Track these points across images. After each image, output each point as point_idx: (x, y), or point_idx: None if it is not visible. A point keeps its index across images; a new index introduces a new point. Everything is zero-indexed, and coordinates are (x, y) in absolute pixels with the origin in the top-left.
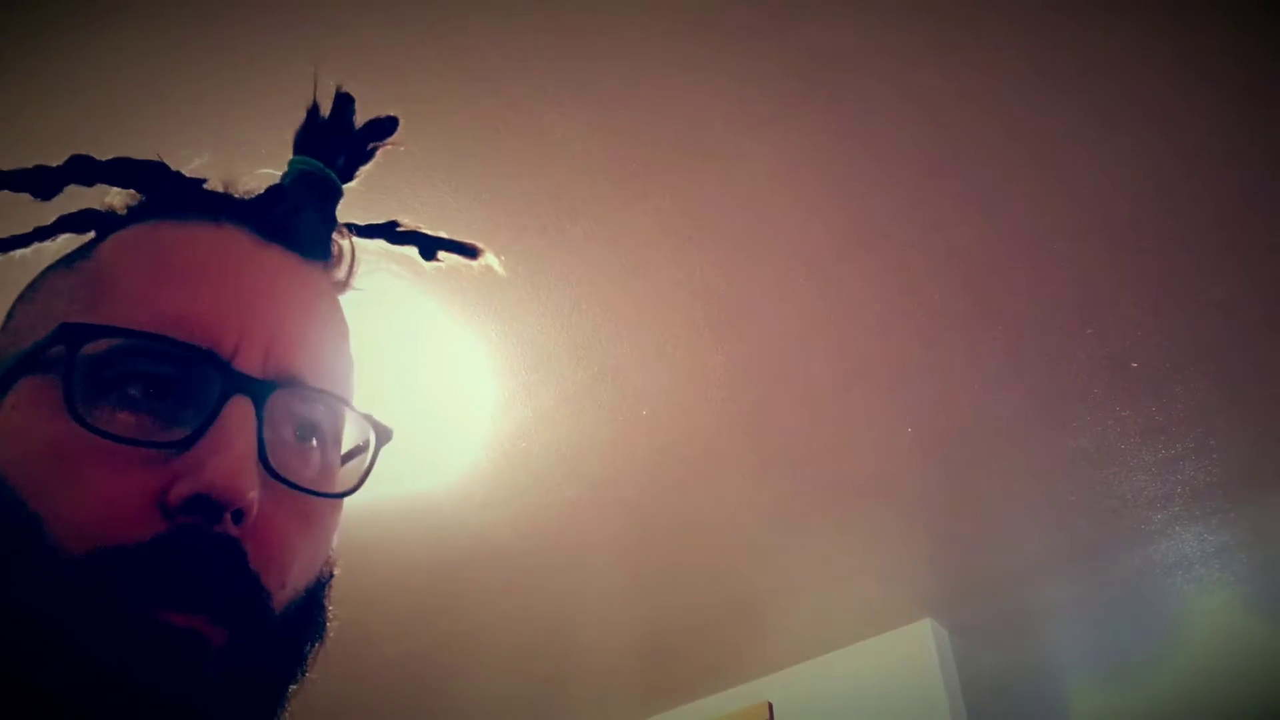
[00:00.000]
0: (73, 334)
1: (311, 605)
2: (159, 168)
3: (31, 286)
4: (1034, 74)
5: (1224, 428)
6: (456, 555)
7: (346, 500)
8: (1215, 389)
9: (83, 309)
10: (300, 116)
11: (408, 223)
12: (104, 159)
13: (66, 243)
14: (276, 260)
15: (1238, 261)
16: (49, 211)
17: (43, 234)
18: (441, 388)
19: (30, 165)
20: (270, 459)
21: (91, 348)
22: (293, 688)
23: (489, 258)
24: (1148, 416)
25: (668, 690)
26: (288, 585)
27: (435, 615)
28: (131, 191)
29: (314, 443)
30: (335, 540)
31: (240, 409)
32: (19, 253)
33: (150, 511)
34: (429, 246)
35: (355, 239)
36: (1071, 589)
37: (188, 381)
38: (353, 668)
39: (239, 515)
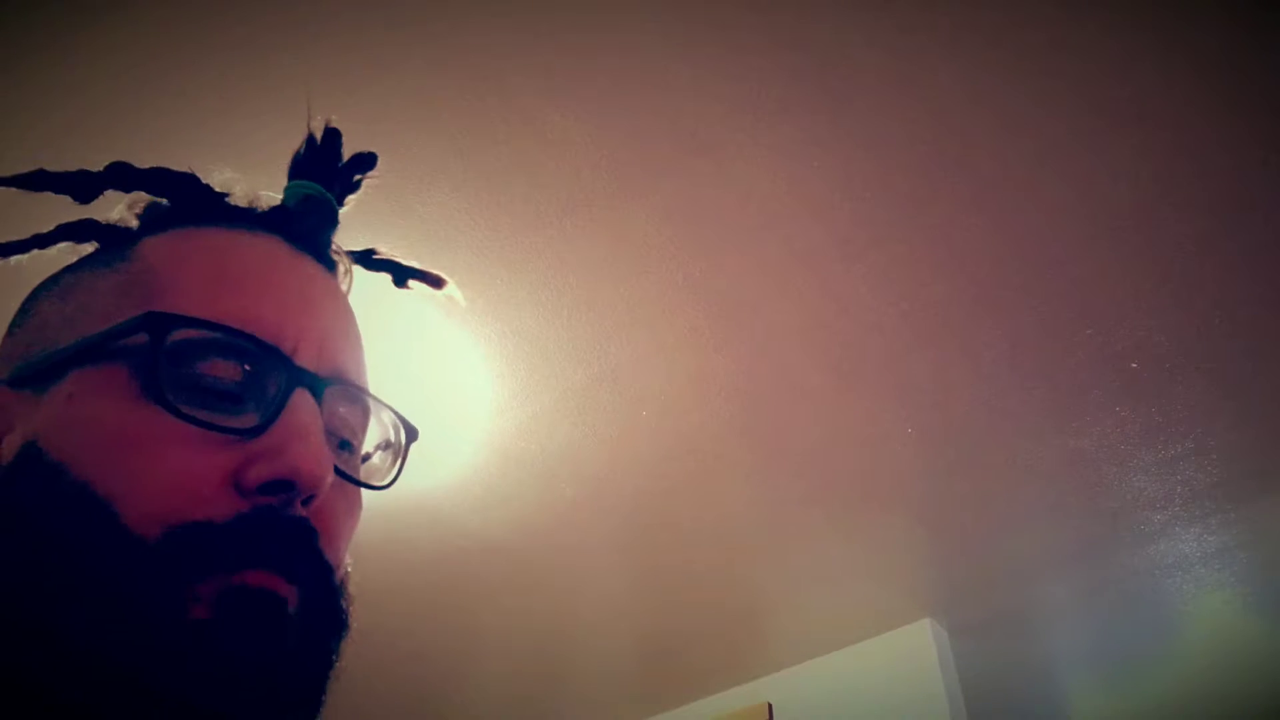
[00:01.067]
0: (158, 323)
1: (343, 595)
2: (190, 179)
3: (55, 284)
4: (1034, 74)
5: (1224, 428)
6: (456, 555)
7: None
8: (1215, 389)
9: (139, 304)
10: (296, 118)
11: (383, 251)
12: (98, 162)
13: (62, 252)
14: (313, 269)
15: (1238, 261)
16: (43, 217)
17: (42, 241)
18: (441, 388)
19: (66, 168)
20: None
21: (171, 339)
22: (331, 675)
23: (451, 289)
24: (1147, 417)
25: (667, 690)
26: (338, 565)
27: (435, 615)
28: (138, 206)
29: (350, 447)
30: None
31: (307, 400)
32: (16, 258)
33: (227, 491)
34: (400, 275)
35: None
36: (1071, 589)
37: (254, 378)
38: (352, 667)
39: (310, 499)
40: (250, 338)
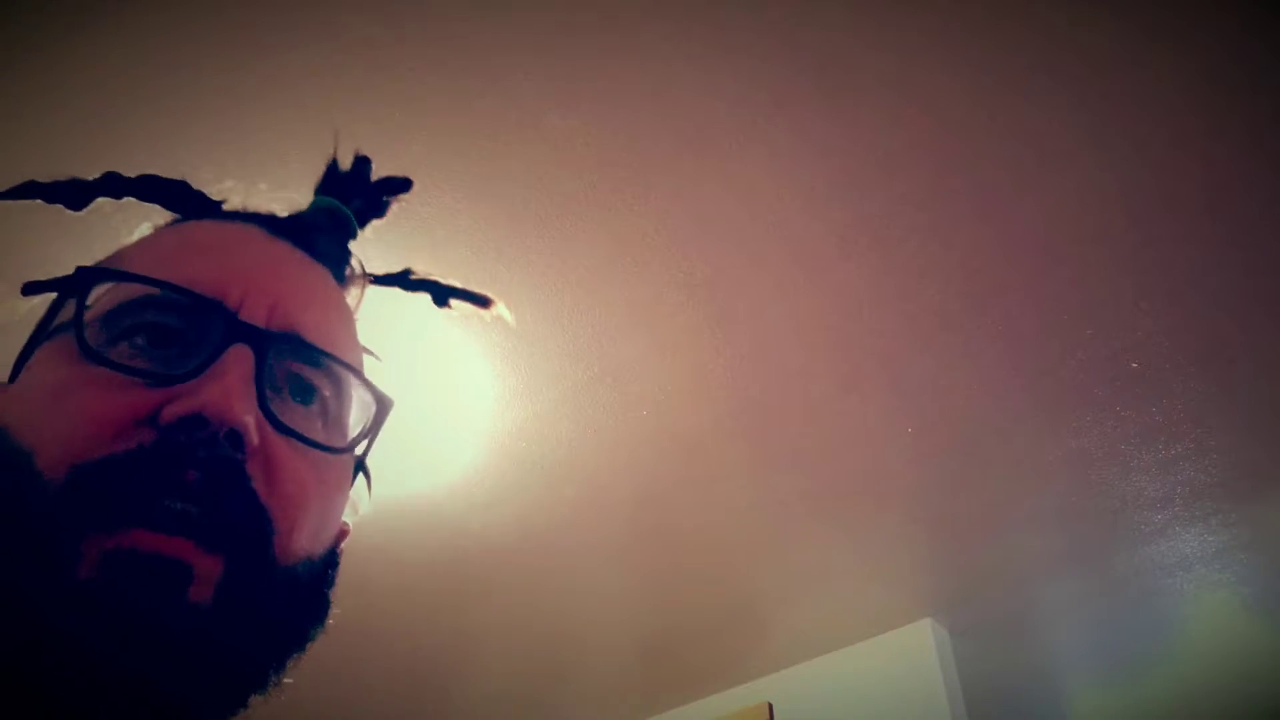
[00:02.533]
0: (83, 277)
1: (317, 583)
2: (182, 186)
3: None
4: (1034, 74)
5: (1224, 428)
6: (456, 555)
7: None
8: (1215, 389)
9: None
10: (301, 119)
11: (420, 271)
12: (99, 163)
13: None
14: (287, 249)
15: (1238, 262)
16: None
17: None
18: (441, 387)
19: (65, 177)
20: (271, 408)
21: (103, 299)
22: (288, 662)
23: (500, 308)
24: (1148, 417)
25: (667, 690)
26: (295, 534)
27: (435, 615)
28: (162, 222)
29: (316, 408)
30: (344, 523)
31: (241, 352)
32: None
33: (140, 428)
34: (440, 294)
35: (371, 285)
36: (1072, 589)
37: (193, 333)
38: (352, 667)
39: (237, 441)
40: (185, 290)
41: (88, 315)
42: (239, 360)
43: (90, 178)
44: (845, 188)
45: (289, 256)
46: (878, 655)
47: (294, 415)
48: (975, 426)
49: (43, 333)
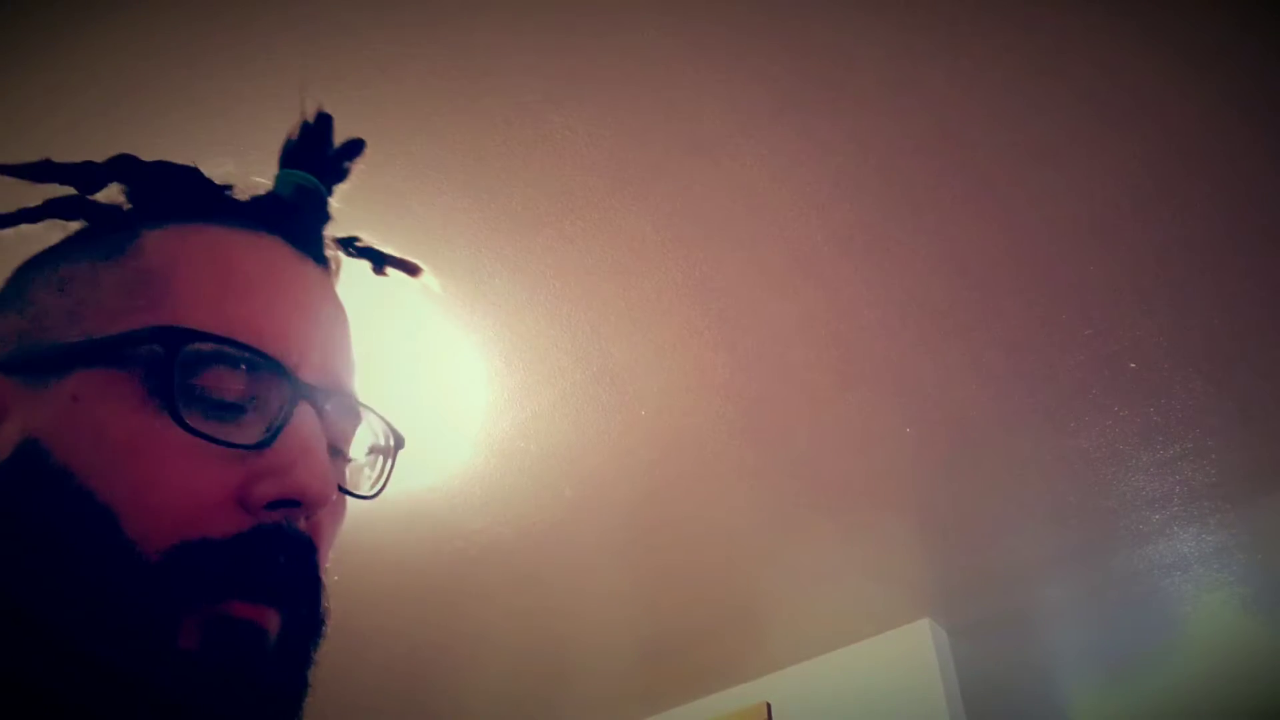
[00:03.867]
0: (174, 336)
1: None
2: (193, 172)
3: (50, 270)
4: (1034, 74)
5: (1222, 428)
6: (455, 555)
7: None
8: (1214, 390)
9: (147, 308)
10: (295, 116)
11: (365, 240)
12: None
13: (48, 228)
14: (314, 275)
15: (1237, 262)
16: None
17: (28, 216)
18: (440, 388)
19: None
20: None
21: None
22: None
23: (427, 277)
24: (1146, 417)
25: (666, 690)
26: (326, 579)
27: (434, 615)
28: (123, 189)
29: (345, 448)
30: None
31: (310, 416)
32: (2, 233)
33: (233, 508)
34: (379, 261)
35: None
36: (1070, 589)
37: (257, 388)
38: (352, 668)
39: (311, 513)
40: (256, 351)
41: (158, 364)
42: (314, 427)
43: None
44: (845, 188)
45: (315, 286)
46: (876, 655)
47: (334, 466)
48: (974, 426)
49: (88, 354)
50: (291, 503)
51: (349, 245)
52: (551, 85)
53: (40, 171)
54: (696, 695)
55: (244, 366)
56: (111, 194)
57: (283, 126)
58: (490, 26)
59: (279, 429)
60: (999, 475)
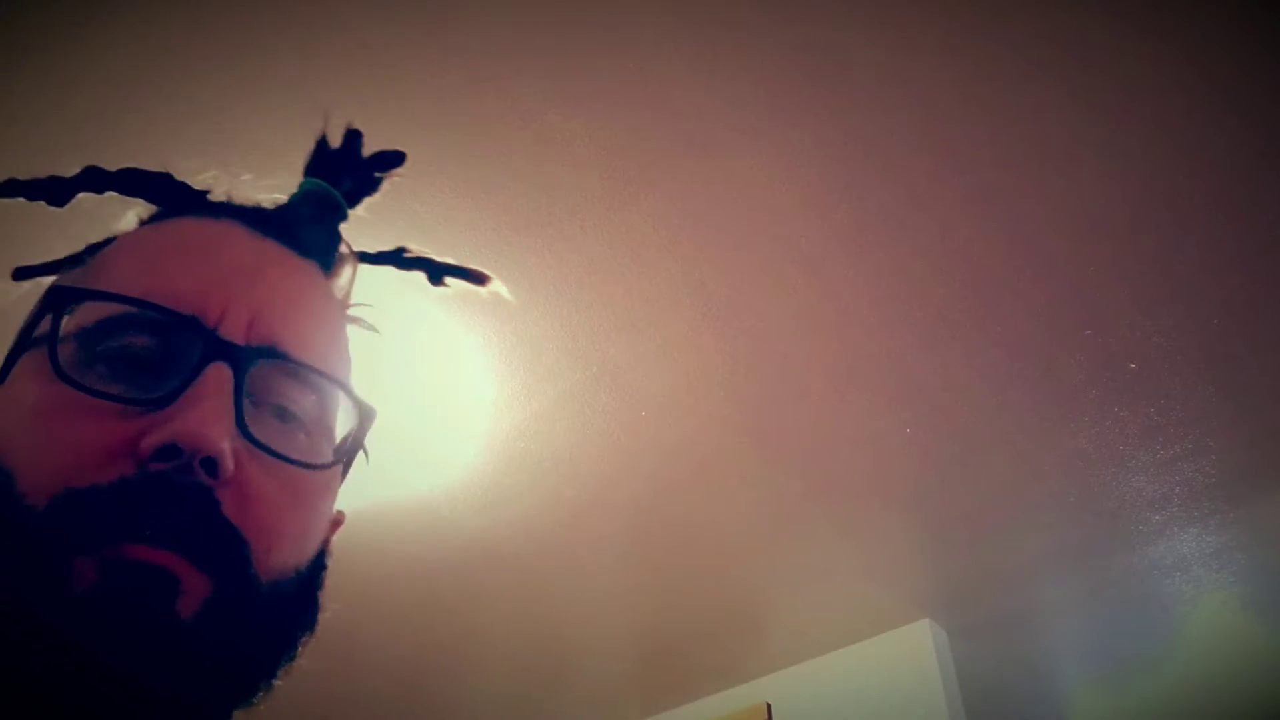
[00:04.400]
0: (56, 297)
1: (304, 590)
2: (165, 178)
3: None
4: (1035, 73)
5: (1222, 429)
6: (455, 556)
7: (345, 501)
8: (1214, 390)
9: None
10: (296, 118)
11: (415, 248)
12: (110, 164)
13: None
14: (269, 248)
15: (1237, 262)
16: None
17: (61, 265)
18: (441, 388)
19: (44, 175)
20: (249, 426)
21: (80, 315)
22: (280, 669)
23: (496, 284)
24: (1146, 417)
25: (666, 691)
26: (274, 552)
27: (434, 616)
28: (146, 215)
29: (296, 423)
30: (334, 516)
31: (219, 372)
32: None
33: (120, 459)
34: (436, 272)
35: (362, 265)
36: (1070, 589)
37: (171, 352)
38: (352, 668)
39: (212, 467)
40: (163, 309)
41: (66, 331)
42: (217, 381)
43: (70, 173)
44: (845, 188)
45: (272, 258)
46: (876, 656)
47: (273, 432)
48: (974, 427)
49: (25, 340)
50: (174, 450)
51: (398, 257)
52: (551, 85)
53: (7, 189)
54: (697, 696)
55: (151, 326)
56: (131, 225)
57: (283, 126)
58: (490, 27)
59: (184, 385)
60: (999, 476)
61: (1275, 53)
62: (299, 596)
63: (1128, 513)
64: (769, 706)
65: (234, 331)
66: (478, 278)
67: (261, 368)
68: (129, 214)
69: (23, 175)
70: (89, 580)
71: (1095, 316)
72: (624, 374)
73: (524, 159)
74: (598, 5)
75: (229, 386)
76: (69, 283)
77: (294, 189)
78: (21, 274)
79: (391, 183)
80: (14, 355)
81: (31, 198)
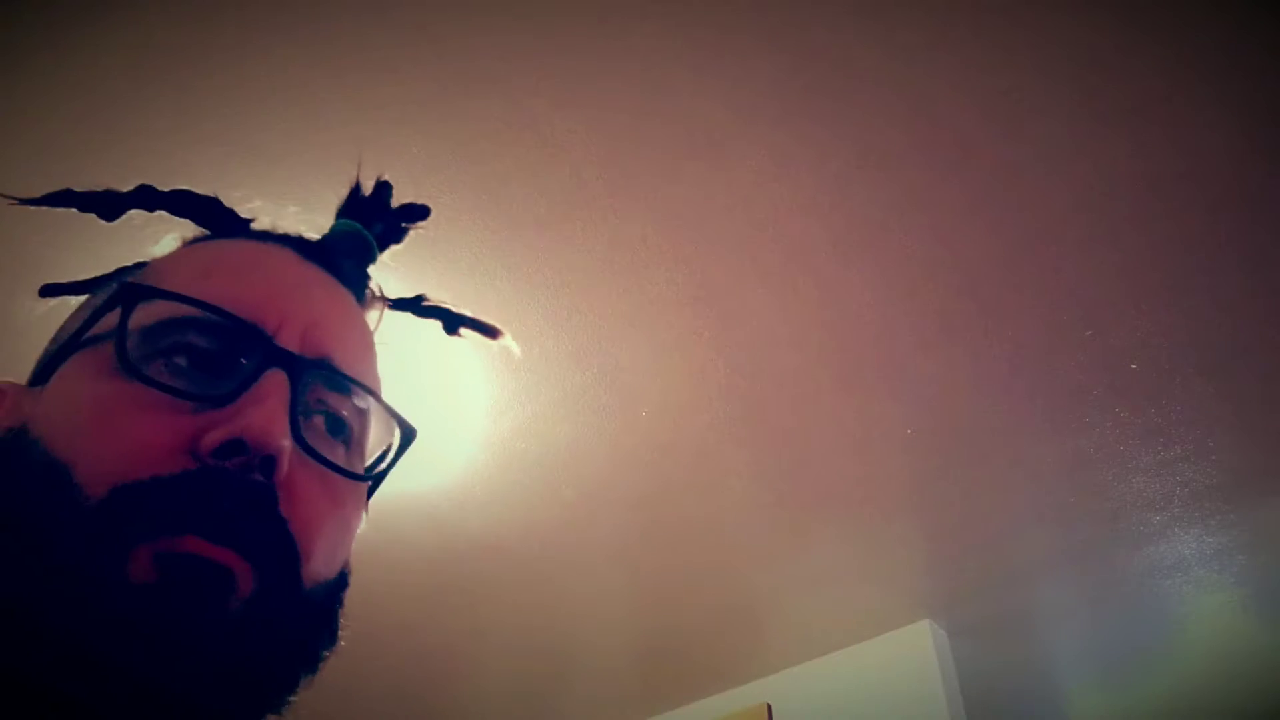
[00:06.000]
0: (128, 293)
1: (330, 603)
2: (214, 203)
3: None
4: (1034, 75)
5: (1223, 430)
6: (455, 555)
7: None
8: (1214, 391)
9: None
10: (295, 118)
11: (433, 299)
12: (99, 162)
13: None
14: (317, 273)
15: (1237, 263)
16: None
17: (95, 285)
18: (441, 389)
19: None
20: (303, 433)
21: (144, 314)
22: (301, 682)
23: (508, 340)
24: (1147, 418)
25: (666, 691)
26: (314, 558)
27: (434, 615)
28: (190, 236)
29: (341, 436)
30: (353, 543)
31: (277, 378)
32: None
33: (181, 453)
34: (451, 323)
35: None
36: (1070, 590)
37: (231, 355)
38: (352, 668)
39: (270, 467)
40: (226, 313)
41: (130, 328)
42: (276, 385)
43: (124, 189)
44: (844, 189)
45: (319, 280)
46: (876, 656)
47: (321, 441)
48: (974, 428)
49: (77, 341)
50: (236, 444)
51: (416, 305)
52: (551, 87)
53: (62, 200)
54: (697, 696)
55: (214, 329)
56: (171, 248)
57: (284, 127)
58: (490, 28)
59: (244, 387)
60: (999, 476)
61: (1275, 53)
62: (326, 609)
63: (1128, 513)
64: (769, 707)
65: (291, 341)
66: (490, 331)
67: (313, 379)
68: (168, 237)
69: (20, 179)
70: (146, 571)
71: (1095, 317)
72: (624, 374)
73: (524, 161)
74: (598, 7)
75: (287, 392)
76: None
77: (325, 220)
78: (49, 291)
79: (416, 232)
80: (61, 356)
81: (84, 209)
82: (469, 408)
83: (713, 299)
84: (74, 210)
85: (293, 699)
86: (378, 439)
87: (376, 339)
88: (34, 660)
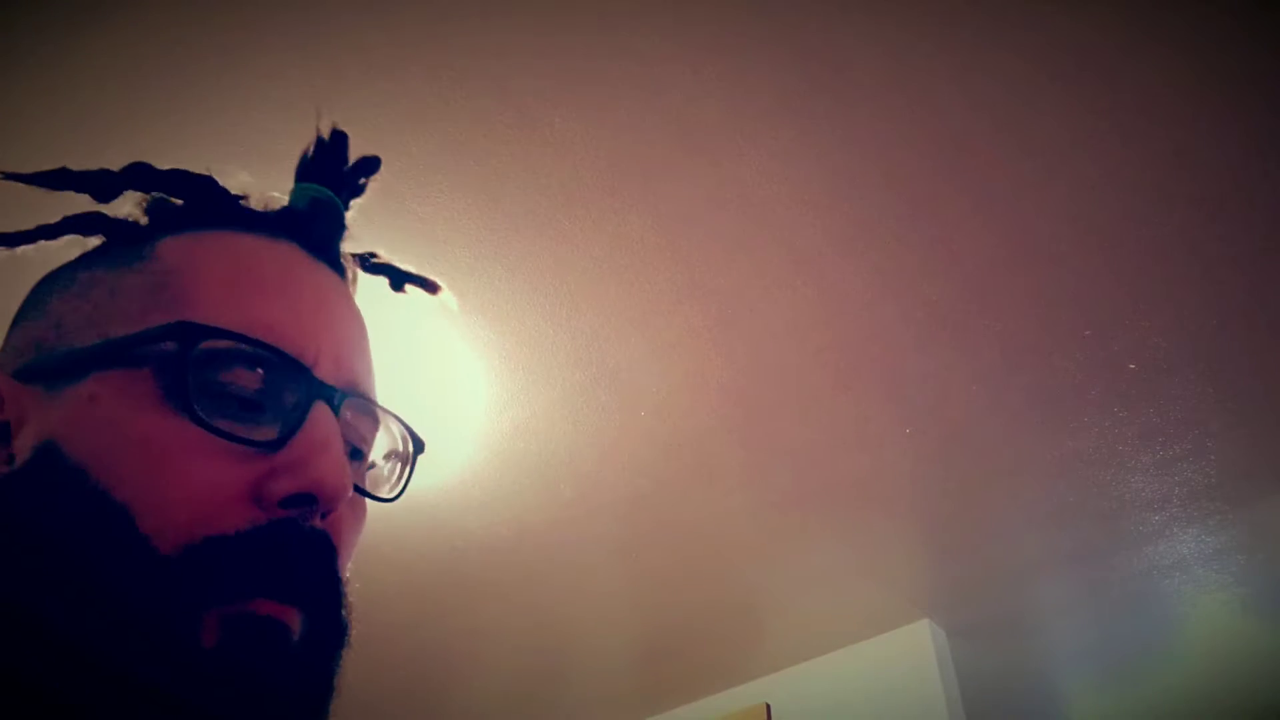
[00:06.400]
0: (189, 333)
1: (346, 608)
2: (209, 181)
3: (69, 281)
4: (1033, 74)
5: (1221, 429)
6: (454, 555)
7: None
8: (1213, 391)
9: (164, 308)
10: (295, 118)
11: (383, 255)
12: (99, 161)
13: (69, 244)
14: (330, 279)
15: (1237, 263)
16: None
17: (48, 232)
18: (440, 388)
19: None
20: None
21: (199, 348)
22: (328, 711)
23: (445, 295)
24: (1146, 418)
25: (665, 691)
26: (348, 579)
27: (433, 615)
28: (145, 202)
29: (364, 458)
30: None
31: (327, 413)
32: (23, 249)
33: (247, 504)
34: (397, 279)
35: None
36: (1069, 590)
37: (274, 390)
38: (351, 668)
39: (329, 511)
40: (274, 349)
41: (167, 359)
42: (330, 426)
43: (117, 168)
44: (843, 189)
45: (334, 289)
46: (876, 656)
47: (353, 469)
48: (974, 427)
49: (107, 357)
50: (307, 499)
51: (366, 261)
52: (551, 86)
53: (56, 180)
54: (696, 696)
55: (260, 364)
56: (130, 211)
57: (280, 126)
58: (489, 28)
59: (295, 426)
60: (998, 476)
61: (1275, 53)
62: (343, 616)
63: (1127, 513)
64: (768, 707)
65: (327, 373)
66: (430, 286)
67: (348, 410)
68: (126, 200)
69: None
70: (215, 633)
71: (1095, 316)
72: (623, 374)
73: (523, 159)
74: (597, 6)
75: (338, 430)
76: (163, 316)
77: (285, 189)
78: (12, 240)
79: (383, 182)
80: (81, 367)
81: (79, 190)
82: (468, 407)
83: (712, 298)
84: (72, 191)
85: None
86: (381, 446)
87: (367, 320)
88: (109, 704)
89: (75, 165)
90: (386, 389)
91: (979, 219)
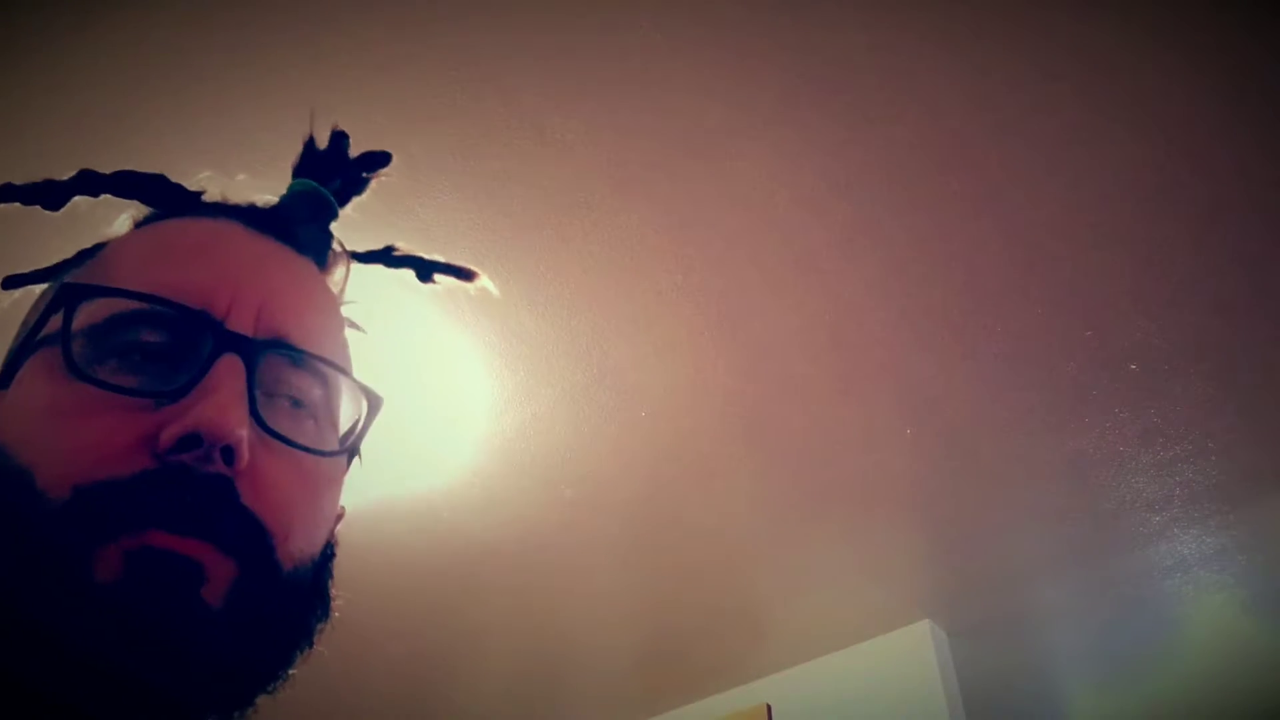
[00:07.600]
0: (69, 294)
1: (318, 579)
2: (159, 179)
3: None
4: (1034, 74)
5: (1222, 430)
6: (455, 556)
7: (344, 500)
8: (1214, 391)
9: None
10: (294, 118)
11: (403, 247)
12: (99, 163)
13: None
14: (269, 245)
15: (1238, 262)
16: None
17: (53, 273)
18: (440, 388)
19: (40, 178)
20: (262, 414)
21: (89, 312)
22: (297, 657)
23: (484, 280)
24: (1146, 418)
25: (666, 692)
26: (291, 540)
27: (433, 616)
28: (140, 216)
29: (306, 412)
30: (338, 509)
31: (230, 363)
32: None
33: (139, 452)
34: (425, 269)
35: (354, 264)
36: (1070, 590)
37: (182, 346)
38: (352, 668)
39: (229, 455)
40: (172, 303)
41: (75, 329)
42: (230, 372)
43: (64, 177)
44: (844, 189)
45: (271, 254)
46: (876, 657)
47: (285, 419)
48: (974, 428)
49: (31, 342)
50: (194, 440)
51: (387, 256)
52: (551, 86)
53: (3, 195)
54: (696, 696)
55: (162, 321)
56: (125, 227)
57: (283, 127)
58: (489, 27)
59: (196, 377)
60: (999, 477)
61: (1275, 53)
62: (314, 585)
63: (1128, 514)
64: (769, 707)
65: (242, 324)
66: (465, 274)
67: (270, 359)
68: (122, 217)
69: (19, 178)
70: (114, 570)
71: (1095, 317)
72: (624, 374)
73: (524, 160)
74: (598, 6)
75: (241, 377)
76: (77, 281)
77: (285, 189)
78: (12, 282)
79: (382, 182)
80: (17, 359)
81: (27, 202)
82: (469, 409)
83: (713, 298)
84: (19, 204)
85: (290, 672)
86: (348, 410)
87: (366, 319)
88: (19, 664)
89: (75, 165)
90: (387, 389)
91: (979, 219)
